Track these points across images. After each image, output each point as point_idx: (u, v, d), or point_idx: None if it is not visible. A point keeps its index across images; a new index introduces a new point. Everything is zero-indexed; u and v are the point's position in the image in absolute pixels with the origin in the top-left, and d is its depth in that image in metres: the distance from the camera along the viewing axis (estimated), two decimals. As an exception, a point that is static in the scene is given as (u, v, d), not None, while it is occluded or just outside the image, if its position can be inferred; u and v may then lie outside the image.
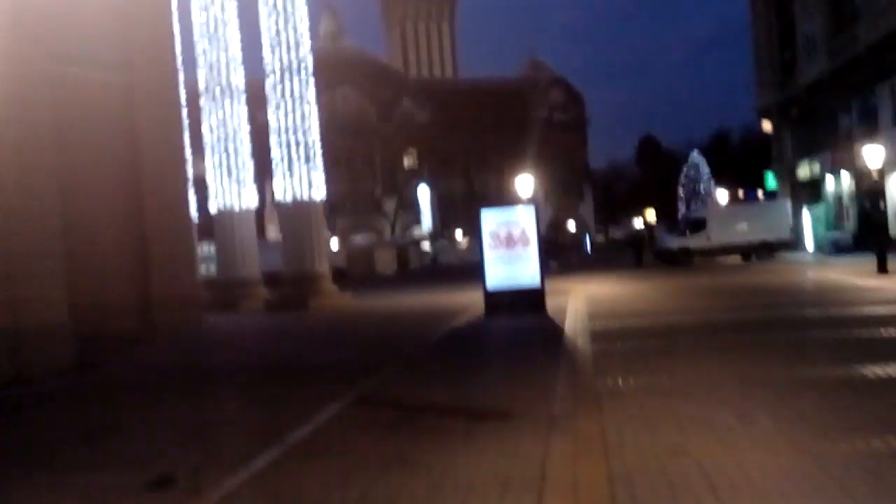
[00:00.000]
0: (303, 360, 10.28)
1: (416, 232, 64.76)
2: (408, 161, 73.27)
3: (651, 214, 61.11)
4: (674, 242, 31.34)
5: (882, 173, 25.45)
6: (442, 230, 64.62)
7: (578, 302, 15.96)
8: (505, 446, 5.06)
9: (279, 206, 19.56)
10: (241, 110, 19.76)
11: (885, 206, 26.54)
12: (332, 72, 62.00)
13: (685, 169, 75.70)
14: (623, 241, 63.88)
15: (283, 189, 18.42)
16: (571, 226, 77.09)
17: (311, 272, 18.54)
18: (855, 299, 12.65)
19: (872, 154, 19.97)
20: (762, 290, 15.76)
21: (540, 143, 74.12)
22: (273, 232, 44.72)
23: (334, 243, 47.08)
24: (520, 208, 14.20)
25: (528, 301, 13.87)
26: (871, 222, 27.18)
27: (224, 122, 19.49)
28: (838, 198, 31.72)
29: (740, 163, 68.14)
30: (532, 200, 15.32)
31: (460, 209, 59.48)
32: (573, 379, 7.36)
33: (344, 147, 63.81)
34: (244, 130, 19.89)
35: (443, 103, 72.31)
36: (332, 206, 61.93)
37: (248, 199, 20.17)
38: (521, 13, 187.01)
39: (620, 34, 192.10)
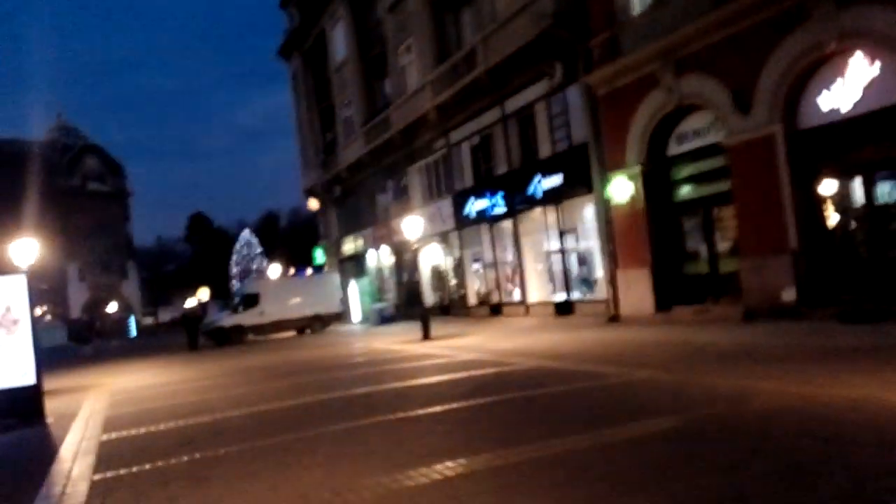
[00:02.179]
0: None
1: None
2: None
3: (204, 293, 57.99)
4: (227, 320, 29.38)
5: (416, 247, 27.77)
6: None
7: (102, 401, 12.46)
8: None
9: None
10: None
11: (420, 277, 28.97)
12: None
13: (238, 247, 75.25)
14: (174, 321, 59.49)
15: None
16: (112, 307, 69.08)
17: None
18: (414, 370, 12.17)
19: (407, 229, 21.30)
20: (319, 367, 14.50)
21: (71, 213, 65.19)
22: None
23: None
24: (1, 280, 10.17)
25: (15, 405, 10.09)
26: (410, 292, 29.43)
27: None
28: (380, 270, 33.90)
29: (291, 241, 70.49)
30: (28, 270, 11.38)
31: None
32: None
33: None
34: None
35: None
36: None
37: None
38: (58, 77, 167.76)
39: (166, 115, 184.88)
